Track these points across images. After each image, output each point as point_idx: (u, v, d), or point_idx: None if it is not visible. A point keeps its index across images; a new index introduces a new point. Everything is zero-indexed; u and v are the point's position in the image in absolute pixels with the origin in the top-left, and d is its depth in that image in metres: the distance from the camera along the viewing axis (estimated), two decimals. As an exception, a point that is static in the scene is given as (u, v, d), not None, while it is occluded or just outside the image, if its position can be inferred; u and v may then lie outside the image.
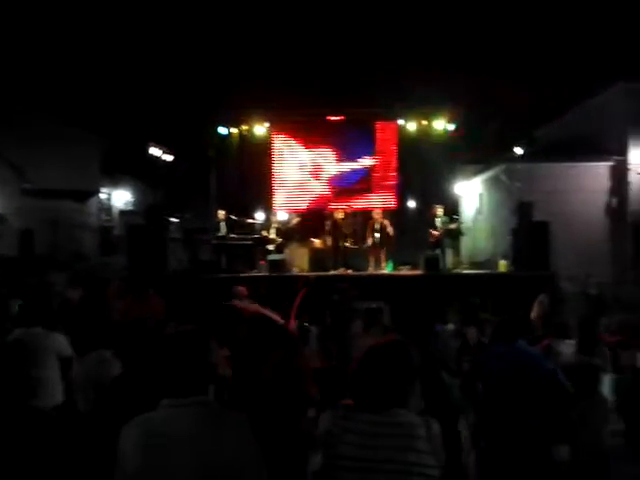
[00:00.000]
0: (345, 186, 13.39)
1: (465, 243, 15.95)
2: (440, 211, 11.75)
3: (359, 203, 13.21)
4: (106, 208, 21.55)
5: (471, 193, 20.15)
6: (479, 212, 20.23)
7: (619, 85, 16.98)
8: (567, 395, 3.72)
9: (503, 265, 11.63)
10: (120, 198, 22.45)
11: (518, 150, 15.97)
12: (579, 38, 30.73)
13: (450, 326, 6.45)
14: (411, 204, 15.35)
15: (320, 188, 13.51)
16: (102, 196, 21.22)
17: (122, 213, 21.71)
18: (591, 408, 3.91)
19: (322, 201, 13.32)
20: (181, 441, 1.85)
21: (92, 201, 20.25)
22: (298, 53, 30.80)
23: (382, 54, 31.47)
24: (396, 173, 13.52)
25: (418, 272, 11.15)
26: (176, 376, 1.98)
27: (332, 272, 11.10)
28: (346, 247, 11.47)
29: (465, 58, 32.88)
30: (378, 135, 13.43)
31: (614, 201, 17.27)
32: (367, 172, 13.44)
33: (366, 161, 13.46)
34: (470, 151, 16.72)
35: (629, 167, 16.91)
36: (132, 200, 22.90)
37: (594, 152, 17.45)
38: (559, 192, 16.27)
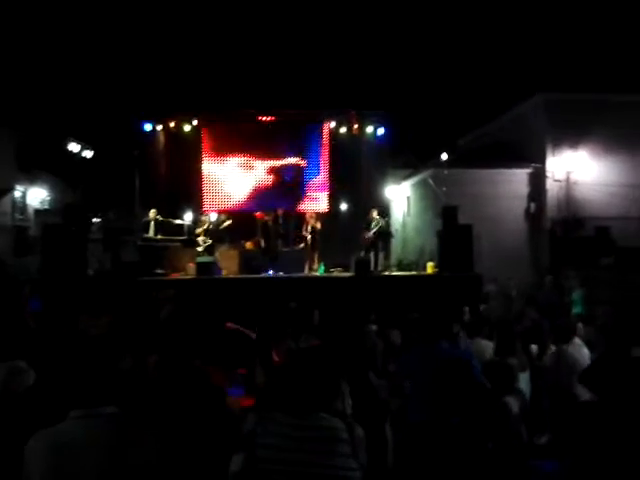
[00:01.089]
0: (277, 187, 13.20)
1: (395, 245, 16.27)
2: (375, 214, 11.91)
3: (292, 205, 13.08)
4: (20, 207, 20.21)
5: (400, 197, 20.64)
6: (408, 215, 20.77)
7: (538, 96, 17.97)
8: (486, 393, 3.82)
9: (430, 267, 11.91)
10: (36, 196, 21.11)
11: (444, 156, 16.50)
12: (503, 51, 32.39)
13: (373, 327, 6.49)
14: (343, 207, 15.44)
15: (251, 189, 13.23)
16: (16, 194, 19.90)
17: (38, 212, 20.41)
18: (512, 405, 4.05)
19: (253, 202, 13.05)
20: (87, 453, 1.83)
21: (5, 199, 19.02)
22: (228, 51, 30.31)
23: (317, 58, 31.68)
24: (329, 175, 13.52)
25: (349, 274, 11.20)
26: (83, 386, 1.94)
27: (263, 274, 10.94)
28: (277, 250, 11.33)
29: (396, 67, 33.72)
30: (310, 137, 13.36)
31: (533, 206, 18.21)
32: (299, 174, 13.33)
33: (298, 163, 13.36)
34: (399, 156, 17.09)
35: (547, 174, 17.89)
36: (49, 198, 21.59)
37: (515, 159, 18.34)
38: (482, 197, 16.98)
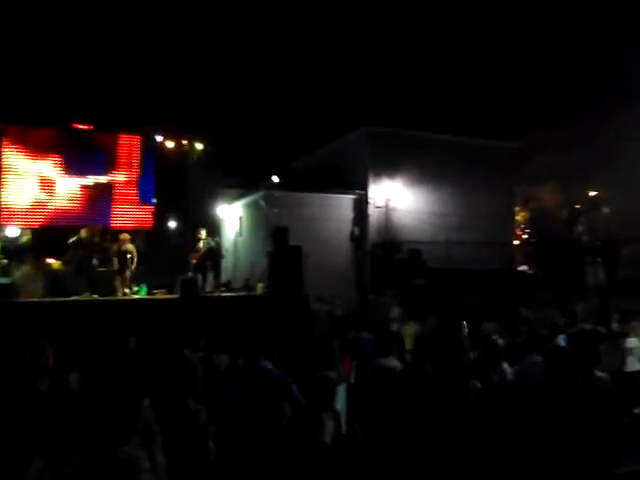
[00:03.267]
0: (92, 201, 11.94)
1: (226, 265, 15.93)
2: (203, 233, 11.52)
3: (109, 221, 11.92)
4: None
5: (232, 216, 20.43)
6: (239, 235, 20.61)
7: (363, 129, 19.38)
8: (301, 409, 3.82)
9: (260, 287, 11.84)
10: None
11: (275, 178, 16.78)
12: (335, 85, 34.53)
13: (200, 353, 6.13)
14: (171, 224, 14.69)
15: (61, 202, 11.75)
16: None
17: None
18: (329, 420, 4.10)
19: (63, 217, 11.59)
20: None
21: None
22: (38, 46, 27.39)
23: (149, 70, 30.31)
24: (153, 191, 12.62)
25: (174, 296, 10.56)
26: None
27: (74, 298, 9.75)
28: (92, 269, 10.22)
29: (232, 87, 33.82)
30: (133, 150, 12.37)
31: (356, 230, 19.38)
32: (118, 188, 12.24)
33: (117, 176, 12.23)
34: (231, 175, 16.95)
35: (369, 200, 19.23)
36: None
37: (342, 185, 19.44)
38: (312, 219, 17.58)
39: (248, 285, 13.41)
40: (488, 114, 21.31)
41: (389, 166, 19.13)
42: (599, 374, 3.33)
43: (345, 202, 19.39)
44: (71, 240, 10.25)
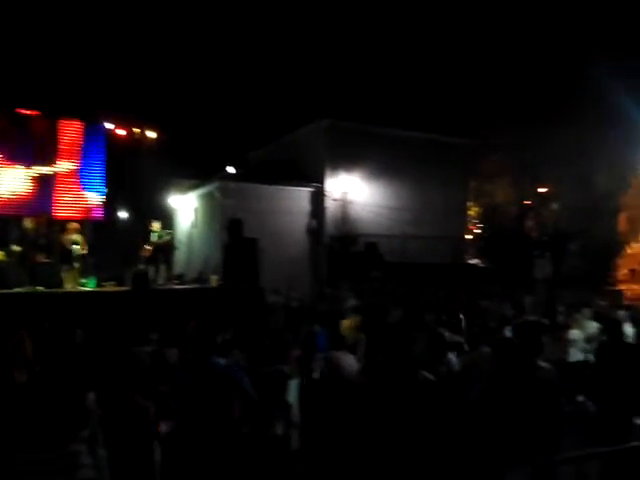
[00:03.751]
0: (36, 189, 11.40)
1: (180, 257, 15.62)
2: (157, 225, 11.23)
3: (54, 211, 11.41)
4: None
5: (187, 207, 20.05)
6: (194, 226, 20.25)
7: (320, 121, 19.31)
8: (253, 403, 3.79)
9: (214, 280, 11.67)
10: None
11: (231, 169, 16.55)
12: (293, 77, 34.38)
13: (149, 348, 5.97)
14: (121, 215, 14.25)
15: (3, 190, 11.17)
16: None
17: None
18: (280, 413, 4.10)
19: (8, 206, 11.03)
20: None
21: None
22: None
23: (103, 56, 29.28)
24: (102, 181, 12.17)
25: (124, 288, 10.26)
26: None
27: (17, 290, 9.31)
28: (37, 261, 9.79)
29: (188, 77, 33.13)
30: (79, 137, 11.83)
31: (314, 223, 19.37)
32: (65, 176, 11.73)
33: (64, 164, 11.72)
34: (186, 165, 16.61)
35: (326, 194, 19.24)
36: None
37: (299, 177, 19.36)
38: (268, 211, 17.45)
39: (202, 277, 13.17)
40: (444, 111, 21.68)
41: (346, 159, 19.19)
42: (542, 364, 3.42)
43: (302, 194, 19.34)
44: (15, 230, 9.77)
